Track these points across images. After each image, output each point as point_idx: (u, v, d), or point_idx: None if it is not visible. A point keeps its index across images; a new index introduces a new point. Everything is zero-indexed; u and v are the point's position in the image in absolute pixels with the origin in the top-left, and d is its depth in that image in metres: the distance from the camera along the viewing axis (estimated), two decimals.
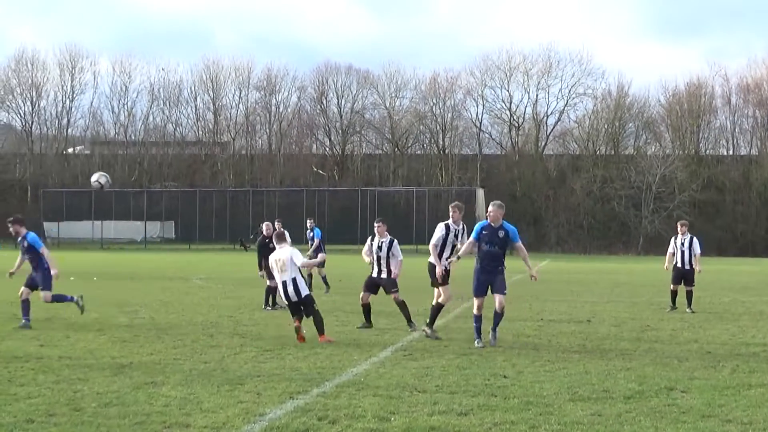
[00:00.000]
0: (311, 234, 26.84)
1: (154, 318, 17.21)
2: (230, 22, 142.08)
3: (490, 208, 13.73)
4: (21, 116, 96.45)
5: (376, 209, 73.07)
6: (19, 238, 16.06)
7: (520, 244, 13.72)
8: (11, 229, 16.10)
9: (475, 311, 13.61)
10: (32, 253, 16.00)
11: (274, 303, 18.97)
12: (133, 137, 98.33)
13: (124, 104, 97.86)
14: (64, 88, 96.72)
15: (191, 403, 8.95)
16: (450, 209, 14.83)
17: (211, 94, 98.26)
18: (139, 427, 7.93)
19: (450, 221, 14.66)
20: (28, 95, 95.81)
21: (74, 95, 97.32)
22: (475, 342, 13.38)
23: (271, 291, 18.86)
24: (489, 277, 13.59)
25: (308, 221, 28.10)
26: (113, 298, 22.09)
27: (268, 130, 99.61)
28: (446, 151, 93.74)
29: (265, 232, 20.44)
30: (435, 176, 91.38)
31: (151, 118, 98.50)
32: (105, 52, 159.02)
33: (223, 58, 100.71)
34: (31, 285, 16.07)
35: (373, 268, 15.97)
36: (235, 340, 13.90)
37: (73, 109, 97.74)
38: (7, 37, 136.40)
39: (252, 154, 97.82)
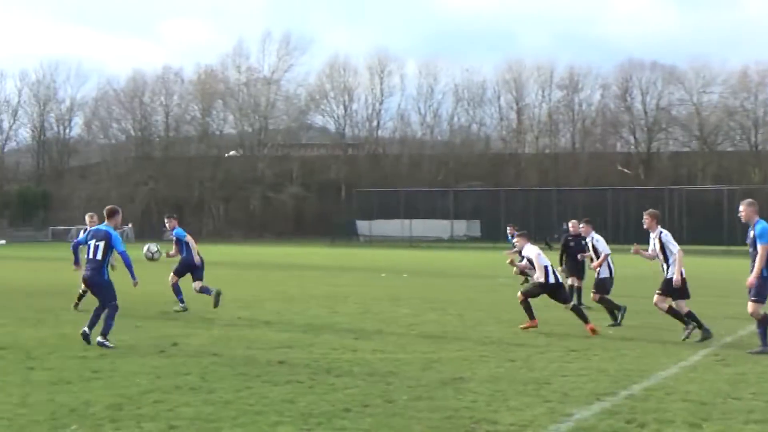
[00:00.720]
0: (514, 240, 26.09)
1: (462, 315, 17.55)
2: (534, 21, 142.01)
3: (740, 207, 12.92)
4: (335, 119, 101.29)
5: (684, 209, 70.57)
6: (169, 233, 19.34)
7: (762, 244, 12.38)
8: (167, 224, 19.34)
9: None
10: (180, 244, 18.83)
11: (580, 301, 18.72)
12: (438, 137, 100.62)
13: (430, 105, 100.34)
14: (374, 91, 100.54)
15: (498, 400, 9.08)
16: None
17: (514, 93, 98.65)
18: (448, 422, 8.14)
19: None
20: (341, 99, 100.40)
21: (383, 98, 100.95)
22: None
23: (574, 290, 18.67)
24: None
25: (508, 228, 28.39)
26: (422, 294, 22.72)
27: (571, 129, 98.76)
28: (759, 148, 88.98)
29: (571, 230, 20.25)
30: (747, 174, 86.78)
31: (456, 118, 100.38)
32: (411, 55, 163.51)
33: (526, 58, 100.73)
34: (180, 272, 18.73)
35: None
36: (540, 339, 13.92)
37: (382, 112, 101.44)
38: (322, 44, 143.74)
39: (555, 153, 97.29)
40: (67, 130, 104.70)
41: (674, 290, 13.98)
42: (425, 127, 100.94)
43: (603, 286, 16.67)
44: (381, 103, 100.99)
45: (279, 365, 11.13)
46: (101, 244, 13.16)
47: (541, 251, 15.50)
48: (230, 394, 9.24)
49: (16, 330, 14.37)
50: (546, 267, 15.01)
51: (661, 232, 14.31)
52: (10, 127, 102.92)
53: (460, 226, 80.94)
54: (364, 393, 9.39)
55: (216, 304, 17.66)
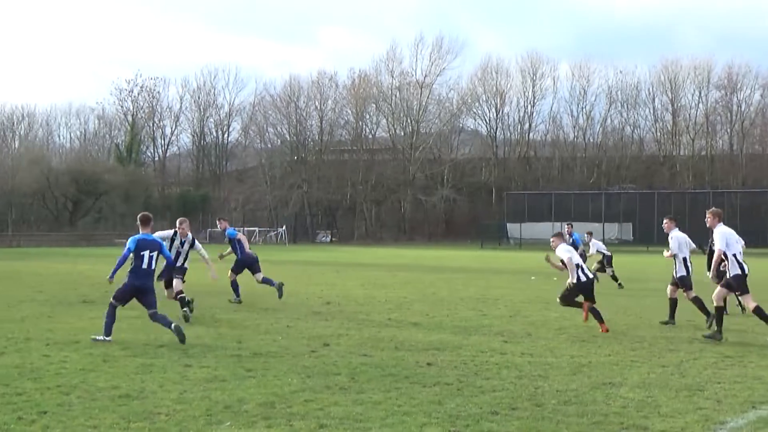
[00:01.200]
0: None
1: (612, 319, 17.21)
2: (693, 21, 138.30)
3: None
4: (486, 122, 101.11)
5: None
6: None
7: None
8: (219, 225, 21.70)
9: None
10: (233, 243, 20.64)
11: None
12: (591, 140, 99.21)
13: (582, 107, 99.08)
14: (526, 93, 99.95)
15: (649, 406, 8.90)
16: None
17: (670, 94, 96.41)
18: (597, 427, 8.03)
19: None
20: (493, 102, 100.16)
21: (535, 100, 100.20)
22: None
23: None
24: None
25: (566, 225, 28.77)
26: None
27: (729, 130, 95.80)
28: None
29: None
30: None
31: (609, 120, 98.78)
32: (564, 57, 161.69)
33: (682, 58, 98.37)
34: (237, 270, 20.41)
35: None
36: (694, 345, 13.55)
37: (534, 114, 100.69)
38: (474, 47, 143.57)
39: (712, 155, 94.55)
40: (226, 135, 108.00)
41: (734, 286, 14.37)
42: (577, 129, 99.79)
43: (683, 283, 16.52)
44: (533, 106, 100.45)
45: (427, 367, 11.19)
46: (155, 254, 13.66)
47: (574, 252, 15.90)
48: (379, 394, 9.35)
49: None
50: (578, 265, 15.44)
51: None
52: (172, 133, 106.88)
53: (612, 229, 79.60)
54: (512, 396, 9.36)
55: (280, 296, 19.58)
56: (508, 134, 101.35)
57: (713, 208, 15.45)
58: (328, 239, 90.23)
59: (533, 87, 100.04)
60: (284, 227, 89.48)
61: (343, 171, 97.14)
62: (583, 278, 15.46)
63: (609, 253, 28.43)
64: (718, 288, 14.52)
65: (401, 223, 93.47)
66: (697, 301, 16.28)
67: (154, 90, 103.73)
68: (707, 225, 14.89)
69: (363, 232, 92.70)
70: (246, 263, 20.42)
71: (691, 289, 16.54)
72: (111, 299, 13.66)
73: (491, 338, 14.13)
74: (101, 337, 13.10)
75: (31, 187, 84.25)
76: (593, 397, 9.37)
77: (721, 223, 14.79)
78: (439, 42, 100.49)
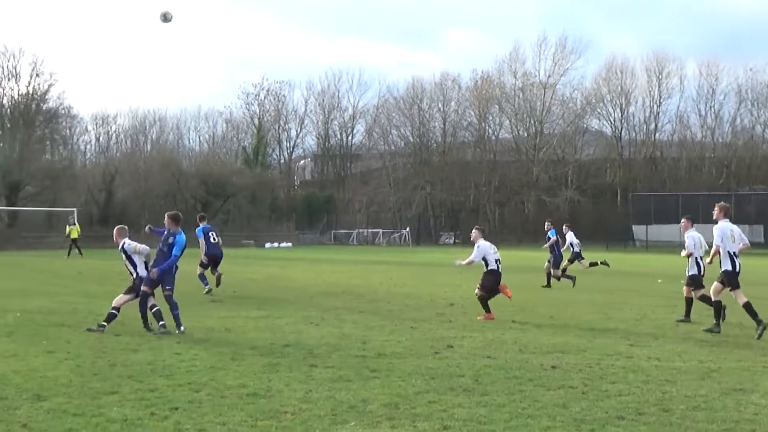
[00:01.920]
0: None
1: (742, 323, 16.77)
2: None
3: None
4: (611, 122, 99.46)
5: None
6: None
7: None
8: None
9: None
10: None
11: None
12: (720, 140, 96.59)
13: (710, 107, 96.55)
14: (652, 93, 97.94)
15: None
16: None
17: None
18: None
19: None
20: (618, 102, 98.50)
21: (661, 100, 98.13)
22: None
23: None
24: None
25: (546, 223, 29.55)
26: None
27: None
28: None
29: None
30: None
31: (738, 119, 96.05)
32: (691, 55, 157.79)
33: None
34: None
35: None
36: None
37: (660, 114, 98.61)
38: (598, 47, 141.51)
39: None
40: (350, 138, 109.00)
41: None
42: (705, 129, 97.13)
43: (693, 281, 17.34)
44: (659, 105, 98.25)
45: (552, 370, 11.11)
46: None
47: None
48: (503, 396, 9.34)
49: (300, 328, 15.13)
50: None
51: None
52: (297, 135, 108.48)
53: (742, 231, 77.23)
54: (638, 401, 9.22)
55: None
56: (634, 134, 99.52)
57: (722, 202, 16.54)
58: (452, 241, 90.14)
59: (659, 86, 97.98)
60: (407, 229, 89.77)
61: (466, 172, 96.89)
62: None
63: (578, 249, 29.99)
64: (715, 283, 15.66)
65: (524, 224, 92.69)
66: (705, 299, 16.63)
67: (280, 93, 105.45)
68: (713, 218, 15.86)
69: (486, 233, 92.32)
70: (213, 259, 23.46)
71: (701, 287, 17.04)
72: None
73: (617, 341, 13.94)
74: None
75: (162, 189, 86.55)
76: (723, 403, 9.16)
77: (726, 219, 15.67)
78: (562, 42, 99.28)
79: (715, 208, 16.07)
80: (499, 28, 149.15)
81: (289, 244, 79.93)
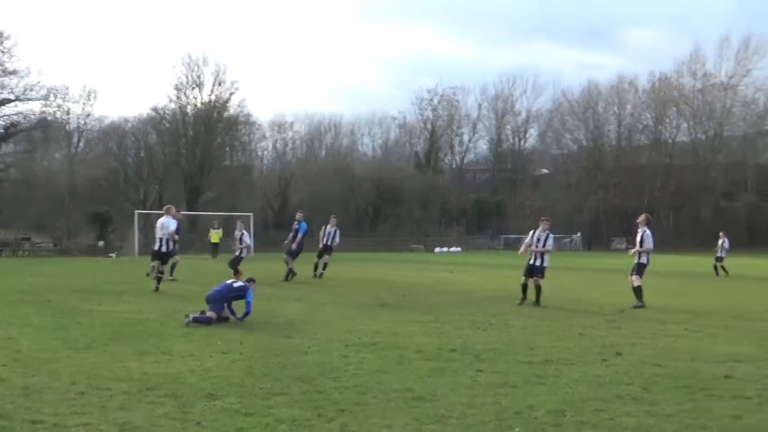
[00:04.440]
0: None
1: None
2: None
3: None
4: None
5: None
6: None
7: None
8: None
9: None
10: None
11: None
12: None
13: None
14: None
15: None
16: None
17: None
18: None
19: None
20: None
21: None
22: None
23: None
24: None
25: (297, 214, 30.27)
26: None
27: None
28: None
29: None
30: None
31: None
32: None
33: None
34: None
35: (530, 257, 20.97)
36: None
37: None
38: None
39: None
40: (522, 142, 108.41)
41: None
42: None
43: (639, 270, 21.03)
44: None
45: (725, 380, 10.74)
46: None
47: None
48: (672, 406, 9.09)
49: (467, 333, 15.13)
50: None
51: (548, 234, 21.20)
52: (470, 140, 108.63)
53: None
54: None
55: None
56: None
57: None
58: (624, 246, 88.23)
59: None
60: (579, 234, 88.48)
61: (641, 176, 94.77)
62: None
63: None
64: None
65: (701, 230, 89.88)
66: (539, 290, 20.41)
67: (453, 98, 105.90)
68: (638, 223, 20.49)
69: (660, 238, 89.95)
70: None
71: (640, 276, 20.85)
72: None
73: None
74: None
75: (335, 194, 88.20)
76: None
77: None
78: (746, 42, 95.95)
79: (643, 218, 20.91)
80: (679, 28, 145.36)
81: (459, 249, 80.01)
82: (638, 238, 21.15)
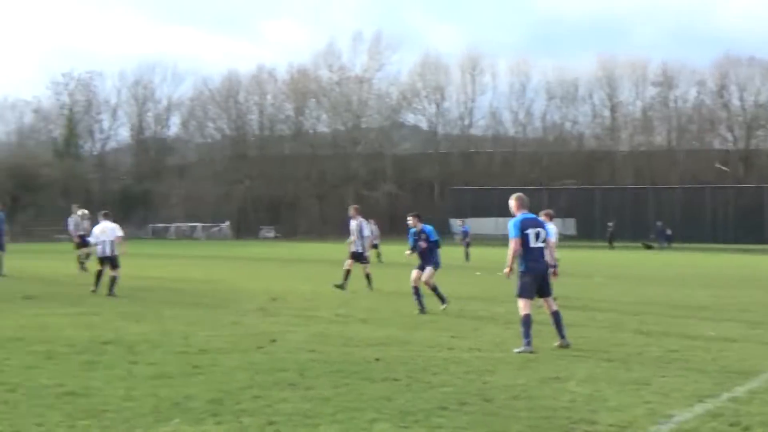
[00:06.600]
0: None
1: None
2: (642, 18, 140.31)
3: None
4: (427, 117, 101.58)
5: None
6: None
7: None
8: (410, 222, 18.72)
9: None
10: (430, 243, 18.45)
11: None
12: (531, 135, 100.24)
13: (522, 103, 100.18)
14: (466, 89, 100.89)
15: (597, 400, 8.98)
16: None
17: (608, 90, 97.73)
18: (546, 422, 8.07)
19: None
20: (433, 97, 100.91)
21: (475, 96, 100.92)
22: None
23: None
24: None
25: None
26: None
27: (667, 126, 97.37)
28: None
29: None
30: None
31: (548, 116, 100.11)
32: (504, 53, 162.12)
33: (619, 55, 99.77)
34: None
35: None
36: (639, 339, 13.75)
37: (474, 110, 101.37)
38: (414, 43, 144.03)
39: (651, 151, 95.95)
40: (165, 130, 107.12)
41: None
42: (518, 125, 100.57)
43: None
44: (473, 101, 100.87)
45: (375, 362, 11.19)
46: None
47: None
48: (328, 390, 9.32)
49: (119, 325, 14.72)
50: None
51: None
52: (110, 127, 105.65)
53: (555, 225, 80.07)
54: (460, 391, 9.38)
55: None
56: (449, 129, 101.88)
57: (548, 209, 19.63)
58: (272, 234, 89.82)
59: (473, 83, 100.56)
60: (227, 222, 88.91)
61: (285, 166, 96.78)
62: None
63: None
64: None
65: (345, 218, 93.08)
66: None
67: (90, 83, 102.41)
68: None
69: (306, 228, 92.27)
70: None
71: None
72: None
73: (438, 333, 14.17)
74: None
75: None
76: (541, 391, 9.42)
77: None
78: (378, 37, 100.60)
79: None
80: (315, 21, 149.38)
81: None
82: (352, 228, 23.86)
